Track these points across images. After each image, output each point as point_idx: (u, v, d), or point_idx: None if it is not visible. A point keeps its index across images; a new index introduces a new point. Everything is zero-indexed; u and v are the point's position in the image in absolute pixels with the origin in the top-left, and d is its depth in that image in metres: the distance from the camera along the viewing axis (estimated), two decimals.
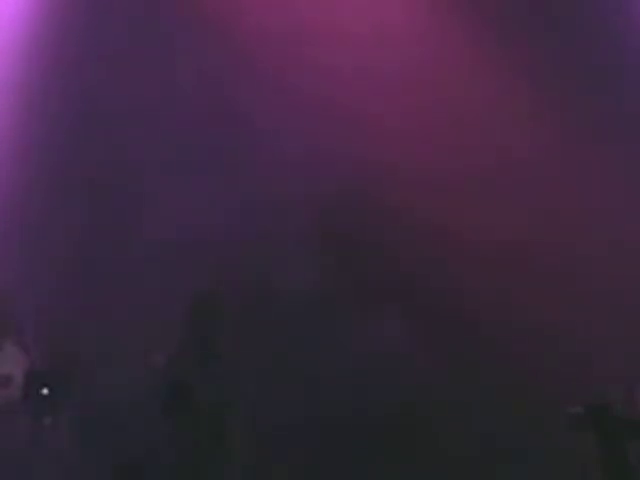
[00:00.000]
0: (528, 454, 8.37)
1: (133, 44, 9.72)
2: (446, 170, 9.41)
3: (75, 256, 9.47)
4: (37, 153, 9.70)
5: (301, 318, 9.21)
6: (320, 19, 9.79)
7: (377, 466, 8.73)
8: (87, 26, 9.94)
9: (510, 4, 9.71)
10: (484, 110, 9.48)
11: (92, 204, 9.76)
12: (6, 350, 8.71)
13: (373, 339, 9.12)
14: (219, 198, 9.63)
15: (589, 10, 9.59)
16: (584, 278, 8.91)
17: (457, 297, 9.16)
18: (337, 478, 8.66)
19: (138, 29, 9.76)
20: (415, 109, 9.56)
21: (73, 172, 9.68)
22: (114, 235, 9.57)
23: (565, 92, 9.45)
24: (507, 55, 9.56)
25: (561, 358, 8.69)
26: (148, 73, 9.75)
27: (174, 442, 7.96)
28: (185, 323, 8.49)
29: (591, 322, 8.60)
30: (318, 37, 9.69)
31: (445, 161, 9.43)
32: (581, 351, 8.58)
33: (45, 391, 8.36)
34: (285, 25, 9.73)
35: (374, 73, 9.70)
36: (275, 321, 9.14)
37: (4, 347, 8.72)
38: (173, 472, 7.95)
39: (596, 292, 8.80)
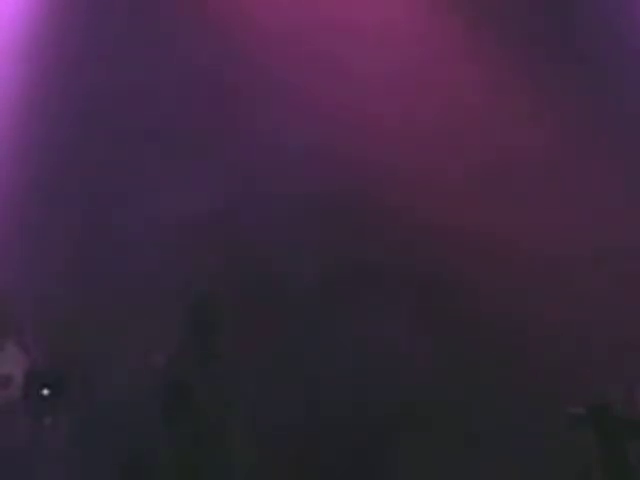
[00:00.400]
0: (528, 454, 8.37)
1: (133, 44, 9.71)
2: (446, 170, 9.41)
3: (75, 256, 9.47)
4: (37, 153, 9.69)
5: (301, 318, 9.21)
6: (320, 19, 9.78)
7: (377, 466, 8.73)
8: (87, 26, 9.94)
9: (510, 4, 9.71)
10: (484, 110, 9.48)
11: (92, 204, 9.76)
12: (6, 350, 8.70)
13: (373, 339, 9.12)
14: (219, 199, 9.64)
15: (589, 10, 9.59)
16: (584, 278, 8.91)
17: (457, 297, 9.17)
18: (337, 478, 8.67)
19: (138, 29, 9.75)
20: (415, 109, 9.56)
21: (73, 172, 9.68)
22: (114, 235, 9.57)
23: (565, 92, 9.45)
24: (507, 55, 9.56)
25: (561, 358, 8.69)
26: (148, 73, 9.74)
27: (174, 442, 7.95)
28: (185, 323, 8.48)
29: (591, 322, 8.60)
30: (318, 37, 9.68)
31: (445, 161, 9.43)
32: (581, 351, 8.59)
33: (45, 392, 8.35)
34: (285, 25, 9.72)
35: (374, 73, 9.69)
36: (275, 321, 9.15)
37: (4, 347, 8.71)
38: (173, 472, 7.94)
39: (596, 292, 8.81)
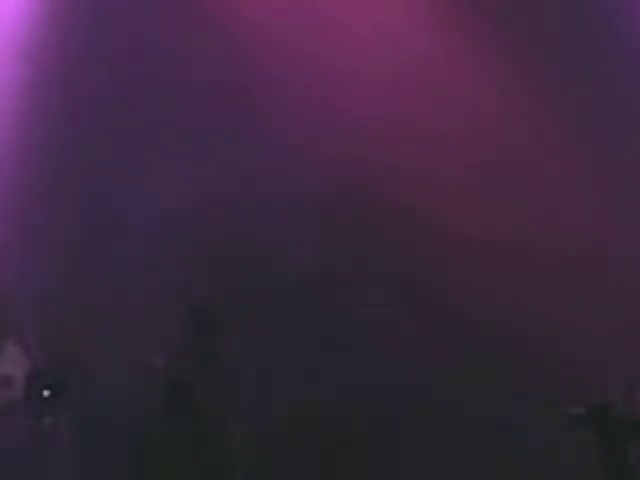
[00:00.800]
0: (529, 454, 8.37)
1: (133, 45, 9.73)
2: (446, 170, 9.42)
3: (75, 256, 9.48)
4: (38, 153, 9.71)
5: (301, 318, 9.22)
6: (320, 19, 9.79)
7: (377, 466, 8.73)
8: (88, 27, 9.95)
9: (510, 4, 9.71)
10: (484, 110, 9.48)
11: (92, 204, 9.77)
12: (7, 351, 8.71)
13: (373, 339, 9.12)
14: (220, 199, 9.66)
15: (589, 10, 9.59)
16: (584, 278, 8.90)
17: (457, 297, 9.16)
18: (337, 478, 8.67)
19: (138, 30, 9.77)
20: (415, 109, 9.56)
21: (73, 172, 9.69)
22: (114, 235, 9.58)
23: (565, 92, 9.45)
24: (507, 55, 9.56)
25: (561, 358, 8.69)
26: (148, 73, 9.75)
27: (174, 442, 7.96)
28: (185, 323, 8.50)
29: (591, 322, 8.60)
30: (319, 37, 9.69)
31: (445, 161, 9.43)
32: (581, 351, 8.58)
33: (46, 393, 8.36)
34: (285, 25, 9.73)
35: (375, 73, 9.70)
36: (275, 320, 9.15)
37: (5, 347, 8.72)
38: (174, 472, 7.95)
39: (596, 292, 8.81)
